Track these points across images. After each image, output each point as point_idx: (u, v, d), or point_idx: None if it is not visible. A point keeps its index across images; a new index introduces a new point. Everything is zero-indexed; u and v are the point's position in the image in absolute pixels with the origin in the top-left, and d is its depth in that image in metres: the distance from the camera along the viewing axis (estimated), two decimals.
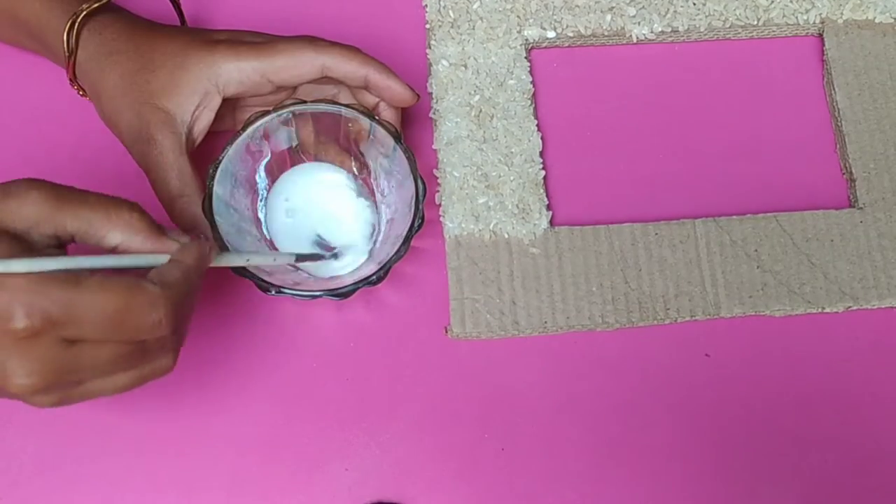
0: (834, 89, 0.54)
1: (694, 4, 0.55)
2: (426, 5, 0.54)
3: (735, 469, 0.48)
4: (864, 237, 0.51)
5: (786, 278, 0.50)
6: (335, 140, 0.48)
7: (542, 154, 0.52)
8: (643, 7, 0.54)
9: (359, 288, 0.44)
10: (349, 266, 0.47)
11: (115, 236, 0.35)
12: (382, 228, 0.48)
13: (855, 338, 0.50)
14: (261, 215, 0.48)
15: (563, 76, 0.54)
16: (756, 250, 0.51)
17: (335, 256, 0.47)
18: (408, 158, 0.44)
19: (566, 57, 0.55)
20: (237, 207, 0.46)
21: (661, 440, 0.48)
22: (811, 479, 0.48)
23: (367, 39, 0.50)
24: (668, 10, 0.54)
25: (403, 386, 0.48)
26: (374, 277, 0.44)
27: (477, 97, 0.52)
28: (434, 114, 0.52)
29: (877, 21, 0.55)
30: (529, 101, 0.52)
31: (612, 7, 0.54)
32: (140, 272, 0.34)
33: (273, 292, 0.43)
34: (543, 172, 0.51)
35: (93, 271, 0.32)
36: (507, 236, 0.50)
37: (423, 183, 0.44)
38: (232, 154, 0.44)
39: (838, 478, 0.48)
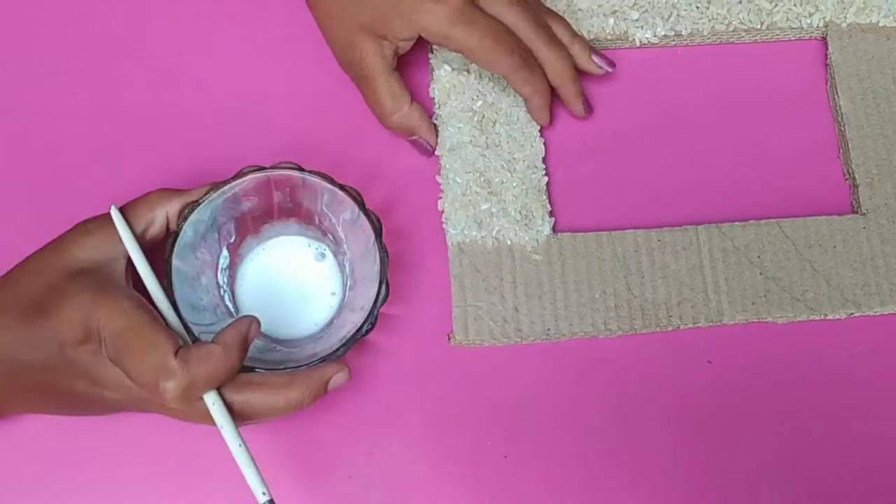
0: (837, 94, 0.54)
1: (697, 8, 0.54)
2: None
3: (738, 476, 0.48)
4: (866, 243, 0.51)
5: (788, 285, 0.50)
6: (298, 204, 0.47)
7: (544, 160, 0.51)
8: (646, 11, 0.54)
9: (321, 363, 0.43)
10: (311, 329, 0.47)
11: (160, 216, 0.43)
12: (346, 296, 0.47)
13: (857, 343, 0.50)
14: (225, 264, 0.47)
15: None
16: (759, 257, 0.51)
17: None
18: (381, 259, 0.43)
19: None
20: (206, 253, 0.45)
21: (664, 447, 0.48)
22: (813, 485, 0.48)
23: None
24: (672, 13, 0.54)
25: (406, 393, 0.48)
26: (304, 366, 0.42)
27: (479, 102, 0.52)
28: (437, 119, 0.52)
29: (881, 25, 0.55)
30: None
31: (615, 11, 0.54)
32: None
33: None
34: (546, 178, 0.51)
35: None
36: (509, 243, 0.50)
37: (388, 290, 0.44)
38: (216, 200, 0.44)
39: (842, 484, 0.48)
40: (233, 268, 0.47)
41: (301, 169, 0.44)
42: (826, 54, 0.55)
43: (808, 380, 0.50)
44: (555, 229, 0.51)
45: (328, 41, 0.50)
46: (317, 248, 0.48)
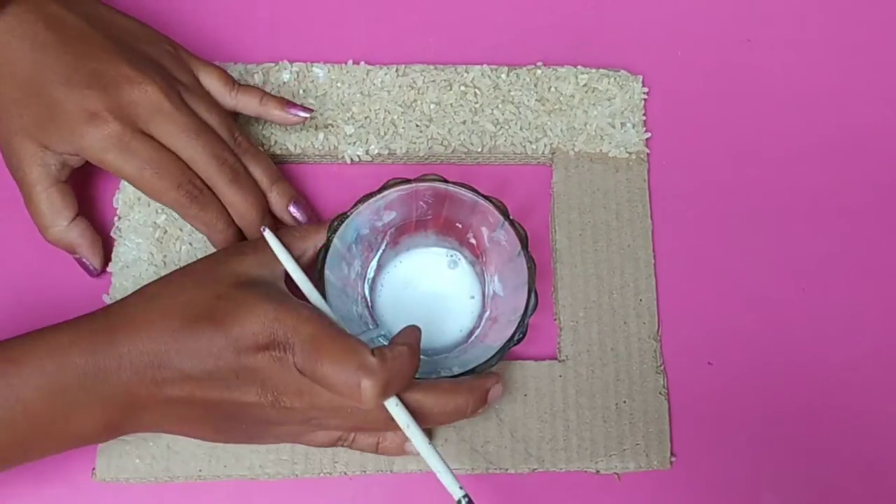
0: (555, 227, 0.51)
1: (417, 126, 0.51)
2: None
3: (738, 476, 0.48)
4: (560, 393, 0.48)
5: (469, 434, 0.47)
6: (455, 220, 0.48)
7: None
8: (362, 126, 0.51)
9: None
10: (454, 336, 0.47)
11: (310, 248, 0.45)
12: (485, 317, 0.48)
13: (858, 345, 0.51)
14: (370, 274, 0.48)
15: None
16: None
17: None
18: (529, 268, 0.43)
19: None
20: (353, 263, 0.46)
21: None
22: (813, 484, 0.48)
23: None
24: (389, 131, 0.51)
25: None
26: (494, 360, 0.43)
27: (163, 217, 0.49)
28: (115, 232, 0.49)
29: (611, 155, 0.52)
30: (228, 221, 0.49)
31: (329, 125, 0.51)
32: None
33: None
34: None
35: None
36: None
37: (537, 298, 0.43)
38: (363, 211, 0.44)
39: (842, 483, 0.48)
40: (373, 279, 0.48)
41: (445, 181, 0.44)
42: (551, 183, 0.52)
43: (808, 381, 0.50)
44: None
45: None
46: (450, 257, 0.48)
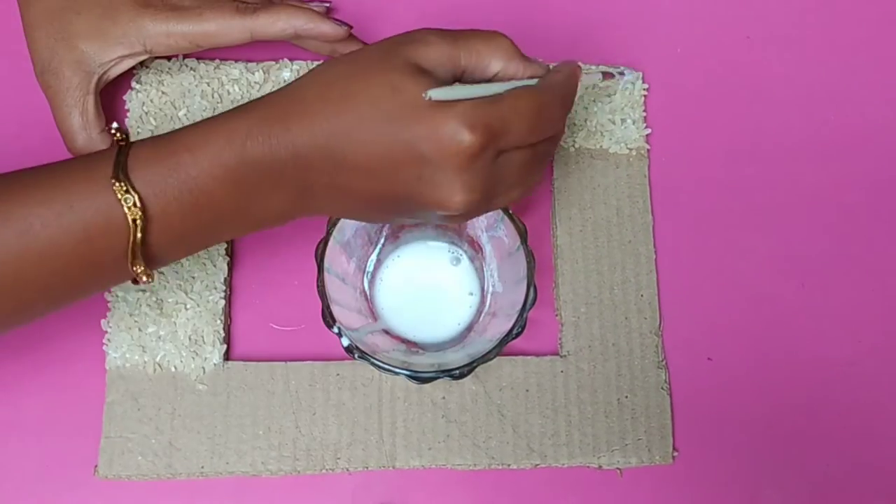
0: (556, 223, 0.51)
1: None
2: (128, 109, 0.51)
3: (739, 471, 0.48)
4: (562, 389, 0.48)
5: (471, 430, 0.47)
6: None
7: (226, 281, 0.48)
8: None
9: (440, 377, 0.42)
10: (452, 330, 0.47)
11: (496, 64, 0.39)
12: (485, 311, 0.47)
13: (858, 341, 0.51)
14: (370, 267, 0.48)
15: None
16: (444, 398, 0.48)
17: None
18: (528, 263, 0.43)
19: None
20: (354, 256, 0.46)
21: None
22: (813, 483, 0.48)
23: None
24: None
25: None
26: (457, 372, 0.42)
27: None
28: None
29: (611, 151, 0.52)
30: None
31: None
32: None
33: (356, 356, 0.42)
34: (224, 301, 0.48)
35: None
36: (174, 370, 0.47)
37: (535, 292, 0.43)
38: None
39: (842, 483, 0.48)
40: (373, 273, 0.48)
41: None
42: (551, 179, 0.52)
43: (808, 376, 0.50)
44: (228, 356, 0.48)
45: (29, 47, 0.46)
46: (452, 253, 0.48)
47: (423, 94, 0.35)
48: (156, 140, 0.37)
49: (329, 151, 0.36)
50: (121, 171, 0.35)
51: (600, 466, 0.47)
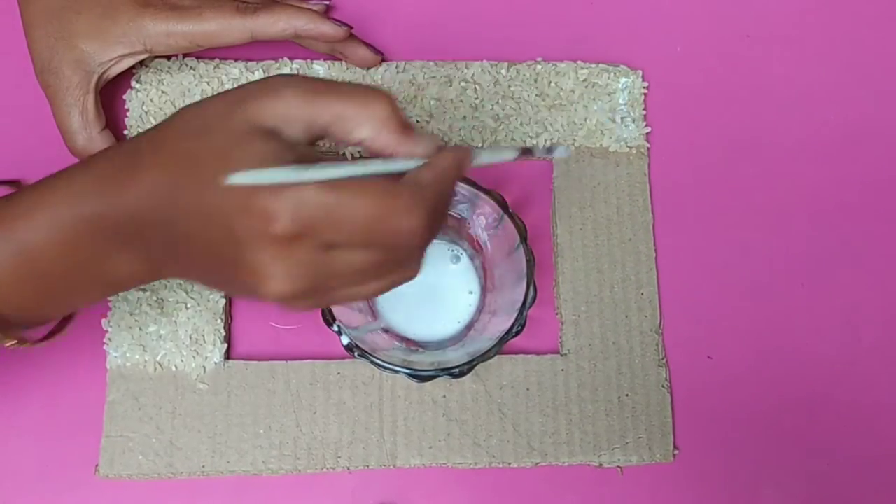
0: (556, 222, 0.51)
1: (417, 122, 0.51)
2: (128, 109, 0.51)
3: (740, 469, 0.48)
4: (562, 387, 0.48)
5: (472, 429, 0.47)
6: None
7: None
8: None
9: (440, 376, 0.42)
10: (452, 328, 0.47)
11: (363, 130, 0.33)
12: (486, 310, 0.47)
13: (858, 339, 0.51)
14: None
15: None
16: (444, 396, 0.48)
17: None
18: (528, 261, 0.43)
19: None
20: None
21: None
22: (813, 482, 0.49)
23: None
24: None
25: None
26: (457, 371, 0.42)
27: None
28: None
29: (611, 150, 0.52)
30: None
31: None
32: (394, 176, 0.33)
33: (356, 354, 0.42)
34: (225, 300, 0.48)
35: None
36: (174, 369, 0.47)
37: (535, 290, 0.43)
38: None
39: (841, 482, 0.49)
40: None
41: None
42: (552, 178, 0.52)
43: (808, 375, 0.50)
44: (229, 356, 0.48)
45: (29, 47, 0.46)
46: (452, 251, 0.48)
47: (225, 179, 0.30)
48: None
49: (159, 215, 0.33)
50: None
51: (601, 465, 0.47)
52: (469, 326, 0.47)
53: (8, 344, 0.36)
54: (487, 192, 0.44)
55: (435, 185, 0.33)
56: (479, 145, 0.51)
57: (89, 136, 0.47)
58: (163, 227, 0.33)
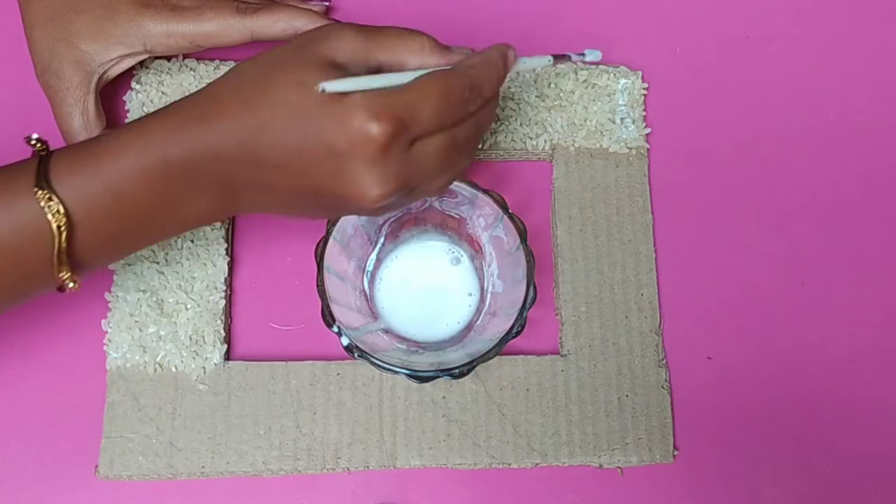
0: (556, 222, 0.51)
1: None
2: (128, 110, 0.51)
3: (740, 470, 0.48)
4: (562, 388, 0.48)
5: (472, 429, 0.47)
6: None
7: (226, 281, 0.49)
8: None
9: (440, 377, 0.42)
10: (451, 329, 0.47)
11: (414, 60, 0.39)
12: (484, 311, 0.47)
13: (857, 339, 0.51)
14: (369, 267, 0.48)
15: None
16: (444, 397, 0.48)
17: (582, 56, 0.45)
18: (528, 262, 0.43)
19: None
20: (353, 256, 0.46)
21: None
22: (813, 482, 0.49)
23: None
24: None
25: None
26: (457, 371, 0.42)
27: None
28: None
29: (611, 150, 0.52)
30: (221, 224, 0.49)
31: None
32: None
33: (356, 355, 0.42)
34: (224, 301, 0.48)
35: None
36: (174, 370, 0.47)
37: (535, 291, 0.43)
38: None
39: (841, 482, 0.49)
40: (372, 272, 0.48)
41: None
42: (551, 179, 0.52)
43: (808, 375, 0.50)
44: (228, 356, 0.48)
45: (30, 48, 0.47)
46: (452, 253, 0.48)
47: (317, 87, 0.35)
48: (79, 146, 0.37)
49: (246, 149, 0.36)
50: (43, 180, 0.35)
51: (601, 465, 0.47)
52: (469, 327, 0.47)
53: (71, 286, 0.37)
54: (487, 192, 0.44)
55: (480, 66, 0.38)
56: (480, 146, 0.51)
57: (90, 136, 0.47)
58: (250, 162, 0.36)
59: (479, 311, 0.48)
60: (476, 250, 0.48)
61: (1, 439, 0.46)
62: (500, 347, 0.42)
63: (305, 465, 0.46)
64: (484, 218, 0.46)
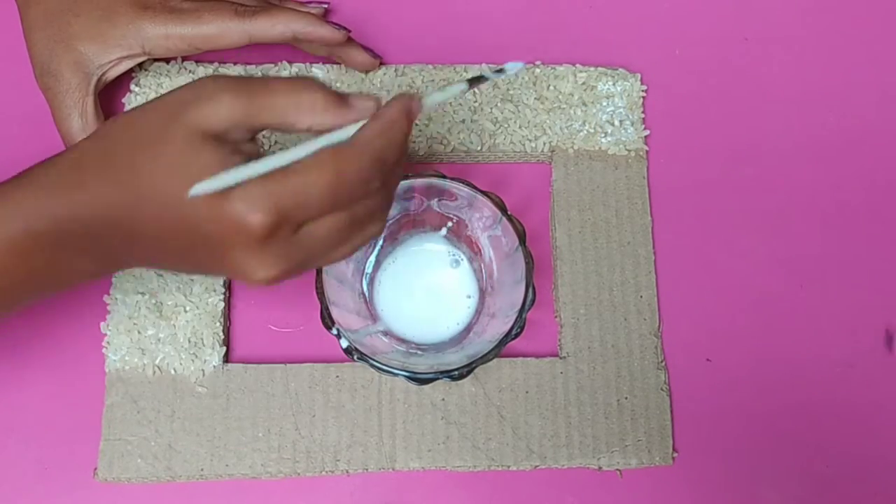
0: (555, 224, 0.51)
1: (416, 125, 0.51)
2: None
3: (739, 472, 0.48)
4: (561, 390, 0.48)
5: (471, 432, 0.47)
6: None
7: (225, 283, 0.48)
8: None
9: (438, 379, 0.42)
10: (451, 330, 0.47)
11: (304, 119, 0.34)
12: (484, 313, 0.47)
13: (856, 342, 0.51)
14: (367, 269, 0.48)
15: None
16: (443, 399, 0.47)
17: (501, 72, 0.40)
18: (527, 264, 0.43)
19: None
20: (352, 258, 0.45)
21: None
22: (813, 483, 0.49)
23: None
24: None
25: None
26: (456, 373, 0.42)
27: None
28: None
29: (610, 153, 0.52)
30: None
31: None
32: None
33: (355, 357, 0.42)
34: (223, 304, 0.48)
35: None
36: (173, 372, 0.47)
37: (534, 293, 0.43)
38: None
39: (841, 483, 0.49)
40: (371, 275, 0.48)
41: (443, 176, 0.44)
42: (550, 181, 0.52)
43: (807, 378, 0.50)
44: (227, 359, 0.48)
45: (29, 50, 0.47)
46: (452, 255, 0.48)
47: (187, 194, 0.31)
48: None
49: (120, 224, 0.34)
50: None
51: (600, 468, 0.47)
52: (468, 329, 0.47)
53: None
54: (485, 193, 0.44)
55: (382, 135, 0.34)
56: (479, 149, 0.51)
57: None
58: (125, 235, 0.34)
59: (478, 312, 0.48)
60: (475, 252, 0.48)
61: (0, 441, 0.46)
62: (500, 349, 0.42)
63: (304, 467, 0.46)
64: (483, 219, 0.46)
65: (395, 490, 0.47)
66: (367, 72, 0.52)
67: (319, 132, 0.34)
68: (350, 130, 0.34)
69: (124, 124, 0.35)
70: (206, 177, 0.31)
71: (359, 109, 0.35)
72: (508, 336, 0.42)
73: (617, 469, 0.47)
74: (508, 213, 0.44)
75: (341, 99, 0.35)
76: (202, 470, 0.46)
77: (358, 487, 0.47)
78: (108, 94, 0.50)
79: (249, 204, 0.31)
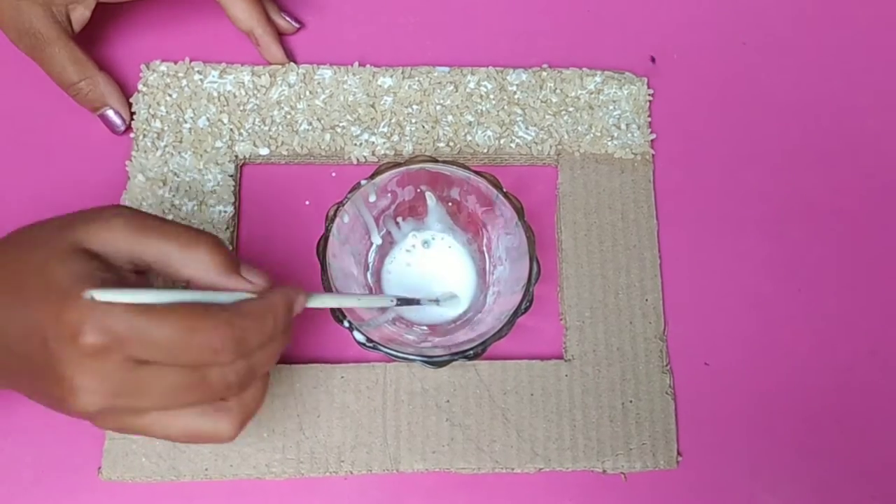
0: (561, 228, 0.51)
1: (423, 127, 0.52)
2: (134, 112, 0.51)
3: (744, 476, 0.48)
4: (566, 392, 0.48)
5: (476, 434, 0.47)
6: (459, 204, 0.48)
7: None
8: (368, 127, 0.51)
9: (454, 360, 0.42)
10: (451, 313, 0.48)
11: (187, 270, 0.35)
12: (490, 292, 0.47)
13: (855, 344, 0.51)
14: (370, 260, 0.48)
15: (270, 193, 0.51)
16: (448, 401, 0.47)
17: (436, 303, 0.47)
18: (528, 238, 0.43)
19: (278, 173, 0.52)
20: (353, 251, 0.46)
21: None
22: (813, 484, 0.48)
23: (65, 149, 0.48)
24: (395, 132, 0.51)
25: None
26: (471, 352, 0.42)
27: (170, 217, 0.49)
28: None
29: (616, 156, 0.52)
30: (229, 223, 0.49)
31: (335, 126, 0.51)
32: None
33: (371, 347, 0.42)
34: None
35: None
36: None
37: (539, 266, 0.43)
38: (357, 198, 0.44)
39: (841, 484, 0.48)
40: (375, 263, 0.48)
41: (435, 160, 0.44)
42: (556, 184, 0.52)
43: (812, 382, 0.50)
44: None
45: None
46: (453, 236, 0.49)
47: (85, 294, 0.31)
48: None
49: None
50: None
51: (604, 471, 0.47)
52: (477, 309, 0.47)
53: None
54: (480, 174, 0.44)
55: (256, 316, 0.34)
56: (485, 151, 0.51)
57: (91, 80, 0.48)
58: None
59: (484, 291, 0.48)
60: (476, 233, 0.48)
61: (3, 440, 0.46)
62: (511, 324, 0.42)
63: (308, 468, 0.46)
64: (480, 201, 0.46)
65: (398, 492, 0.47)
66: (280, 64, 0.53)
67: (199, 288, 0.35)
68: (234, 297, 0.34)
69: (20, 234, 0.36)
70: (66, 283, 0.32)
71: (246, 284, 0.36)
72: (518, 310, 0.42)
73: (621, 472, 0.47)
74: (504, 190, 0.44)
75: (231, 267, 0.36)
76: (206, 470, 0.46)
77: (362, 489, 0.47)
78: None
79: (89, 316, 0.31)
